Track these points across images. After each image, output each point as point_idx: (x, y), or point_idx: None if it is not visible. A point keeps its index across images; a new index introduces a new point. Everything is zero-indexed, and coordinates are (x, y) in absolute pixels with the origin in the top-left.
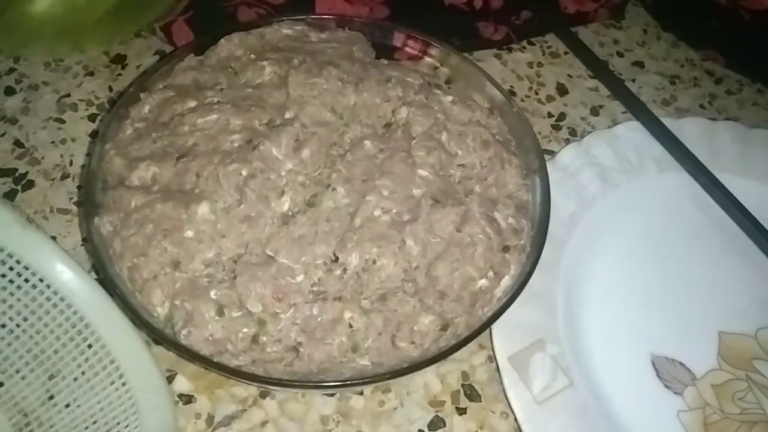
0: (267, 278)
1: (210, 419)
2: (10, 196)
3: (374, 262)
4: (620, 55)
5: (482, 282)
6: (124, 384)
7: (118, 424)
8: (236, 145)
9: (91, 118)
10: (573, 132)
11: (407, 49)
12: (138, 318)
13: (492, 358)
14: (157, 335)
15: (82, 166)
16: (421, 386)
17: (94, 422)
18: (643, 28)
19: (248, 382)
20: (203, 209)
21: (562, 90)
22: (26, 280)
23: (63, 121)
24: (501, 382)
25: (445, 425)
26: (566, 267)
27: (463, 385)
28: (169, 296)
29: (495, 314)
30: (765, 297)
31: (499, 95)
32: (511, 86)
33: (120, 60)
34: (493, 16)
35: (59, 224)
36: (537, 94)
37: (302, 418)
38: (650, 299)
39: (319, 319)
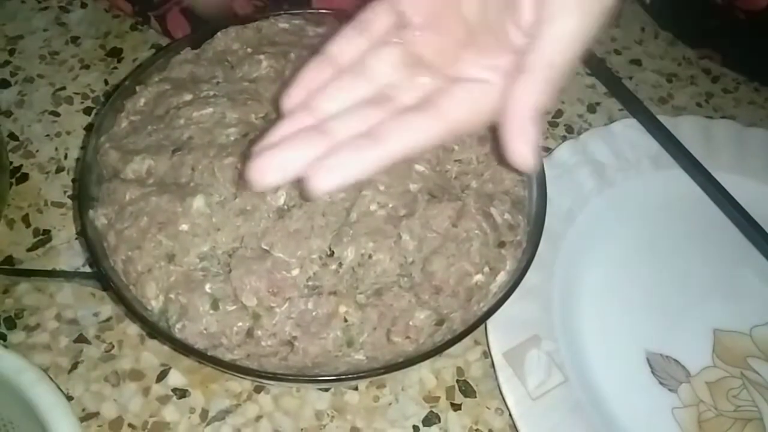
0: (262, 272)
1: (204, 414)
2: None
3: (370, 256)
4: (618, 52)
5: (478, 277)
6: None
7: None
8: (232, 138)
9: (87, 111)
10: (570, 129)
11: None
12: (132, 311)
13: (487, 354)
14: (151, 329)
15: (77, 160)
16: (416, 381)
17: None
18: (640, 27)
19: (243, 376)
20: (198, 202)
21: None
22: None
23: (58, 114)
24: (496, 378)
25: (439, 421)
26: (562, 263)
27: (458, 381)
28: (164, 290)
29: (490, 310)
30: (760, 295)
31: None
32: None
33: (116, 53)
34: None
35: (54, 217)
36: None
37: (297, 412)
38: (645, 296)
39: (314, 313)
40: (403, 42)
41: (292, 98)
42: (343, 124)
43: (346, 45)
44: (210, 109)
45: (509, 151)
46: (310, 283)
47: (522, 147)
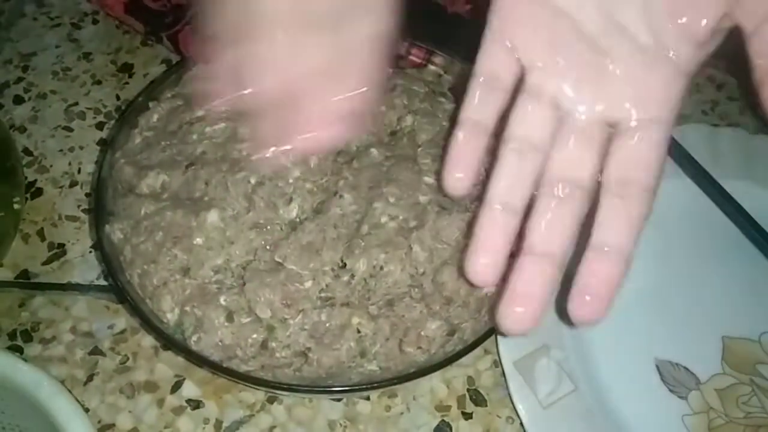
0: (276, 284)
1: (218, 424)
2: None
3: (381, 268)
4: None
5: (488, 288)
6: None
7: None
8: (244, 153)
9: (99, 126)
10: None
11: (411, 57)
12: (149, 324)
13: (498, 363)
14: (167, 341)
15: (90, 174)
16: (427, 391)
17: None
18: None
19: (257, 387)
20: (212, 216)
21: None
22: None
23: (71, 130)
24: (506, 387)
25: (451, 430)
26: None
27: (468, 390)
28: (179, 302)
29: None
30: None
31: None
32: None
33: (127, 69)
34: None
35: (68, 231)
36: None
37: (310, 423)
38: (654, 304)
39: (327, 324)
40: (539, 93)
41: (462, 181)
42: (550, 238)
43: (482, 106)
44: (222, 125)
45: None
46: (322, 294)
47: None
